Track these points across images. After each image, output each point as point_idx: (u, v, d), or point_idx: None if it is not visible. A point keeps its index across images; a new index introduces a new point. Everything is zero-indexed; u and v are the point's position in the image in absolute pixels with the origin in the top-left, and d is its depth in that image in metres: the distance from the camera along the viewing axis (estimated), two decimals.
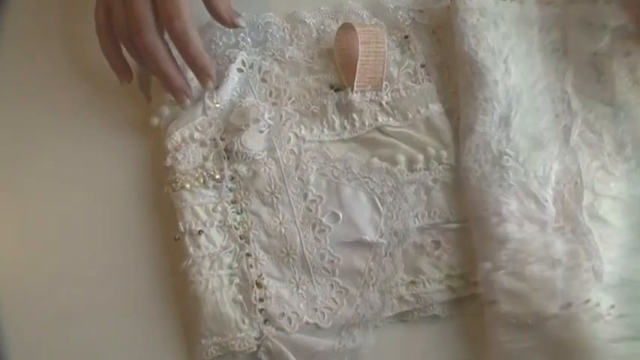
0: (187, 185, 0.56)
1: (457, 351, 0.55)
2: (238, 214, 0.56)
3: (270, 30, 0.62)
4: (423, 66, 0.61)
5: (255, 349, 0.53)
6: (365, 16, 0.63)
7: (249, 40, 0.61)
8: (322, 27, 0.62)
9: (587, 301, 0.51)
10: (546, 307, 0.51)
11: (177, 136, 0.57)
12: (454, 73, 0.60)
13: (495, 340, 0.52)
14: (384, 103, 0.59)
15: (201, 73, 0.56)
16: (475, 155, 0.56)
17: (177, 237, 0.55)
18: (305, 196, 0.56)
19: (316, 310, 0.54)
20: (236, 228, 0.56)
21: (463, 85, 0.58)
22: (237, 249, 0.55)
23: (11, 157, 0.60)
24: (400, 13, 0.63)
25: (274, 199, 0.56)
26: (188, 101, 0.57)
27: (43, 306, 0.56)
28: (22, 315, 0.56)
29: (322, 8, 0.63)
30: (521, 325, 0.52)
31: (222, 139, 0.57)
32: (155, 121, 0.58)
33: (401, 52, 0.61)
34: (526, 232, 0.53)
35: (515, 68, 0.57)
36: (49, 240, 0.58)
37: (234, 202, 0.56)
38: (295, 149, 0.57)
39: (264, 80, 0.60)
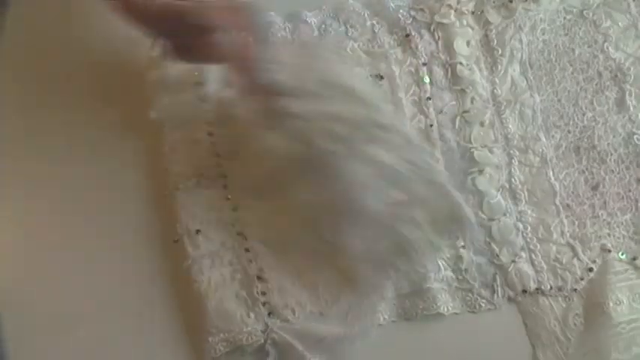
0: (181, 185, 0.56)
1: (461, 349, 0.55)
2: (234, 210, 0.56)
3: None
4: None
5: (262, 341, 0.53)
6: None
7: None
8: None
9: None
10: None
11: (171, 137, 0.57)
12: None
13: None
14: None
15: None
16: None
17: (176, 239, 0.55)
18: None
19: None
20: (233, 225, 0.56)
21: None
22: (236, 245, 0.55)
23: (9, 159, 0.60)
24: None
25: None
26: None
27: (45, 309, 0.56)
28: (24, 317, 0.56)
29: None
30: None
31: (212, 135, 0.57)
32: (153, 114, 0.58)
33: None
34: None
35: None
36: (50, 242, 0.58)
37: (228, 199, 0.56)
38: None
39: None
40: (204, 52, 0.49)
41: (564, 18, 0.63)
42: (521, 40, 0.62)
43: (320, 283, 0.54)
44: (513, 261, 0.56)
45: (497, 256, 0.56)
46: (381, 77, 0.60)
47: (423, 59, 0.61)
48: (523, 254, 0.56)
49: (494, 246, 0.57)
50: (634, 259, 0.56)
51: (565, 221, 0.57)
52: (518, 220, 0.57)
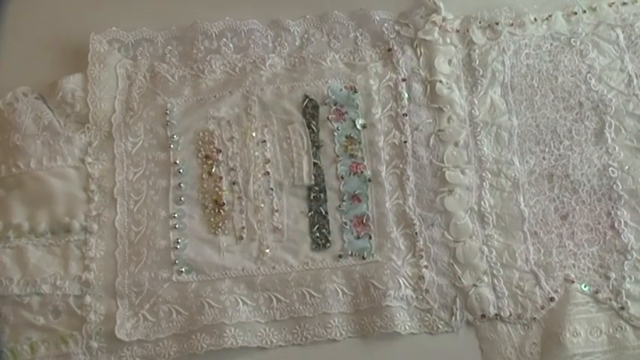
0: None
1: None
2: None
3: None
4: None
5: None
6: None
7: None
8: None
9: None
10: None
11: None
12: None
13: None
14: None
15: None
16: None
17: None
18: None
19: None
20: None
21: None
22: None
23: None
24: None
25: None
26: None
27: None
28: None
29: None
30: None
31: None
32: None
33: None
34: None
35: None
36: None
37: None
38: None
39: None
40: None
41: (551, 44, 0.62)
42: (503, 63, 0.61)
43: None
44: (475, 285, 0.56)
45: (460, 278, 0.56)
46: (355, 90, 0.60)
47: (402, 75, 0.61)
48: (485, 278, 0.56)
49: (457, 268, 0.56)
50: (596, 292, 0.55)
51: (531, 248, 0.56)
52: (484, 244, 0.57)
